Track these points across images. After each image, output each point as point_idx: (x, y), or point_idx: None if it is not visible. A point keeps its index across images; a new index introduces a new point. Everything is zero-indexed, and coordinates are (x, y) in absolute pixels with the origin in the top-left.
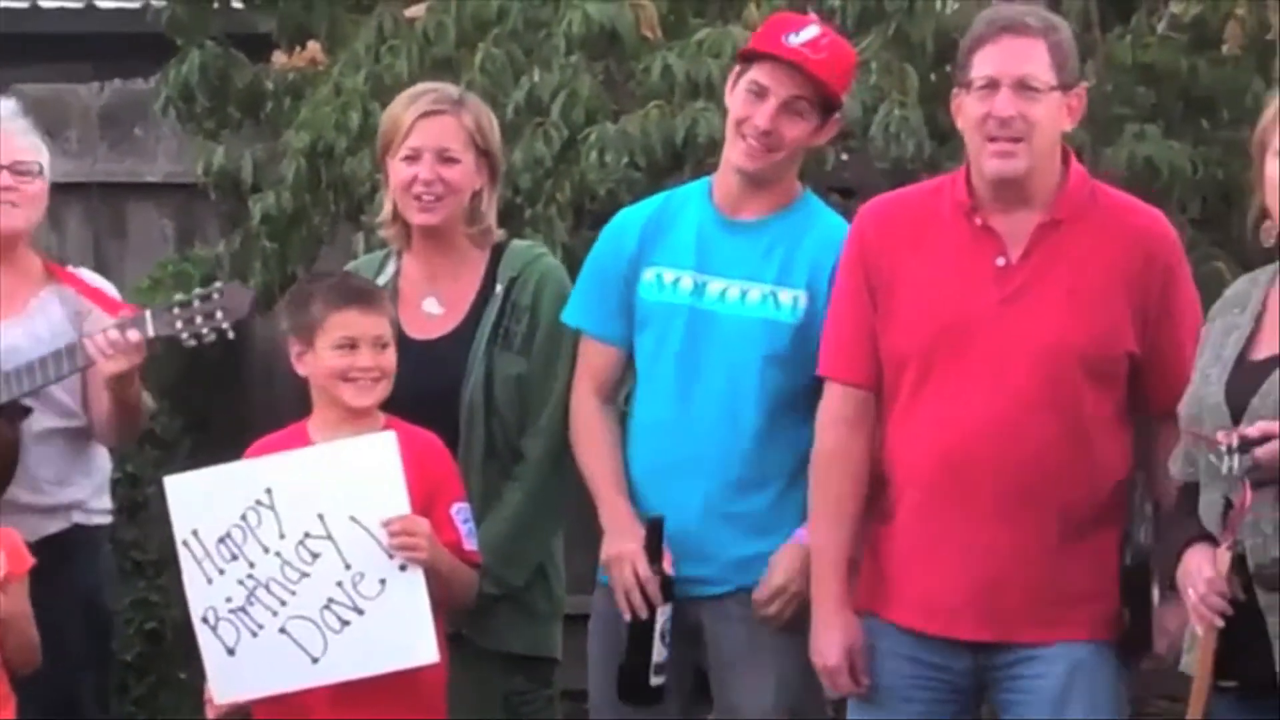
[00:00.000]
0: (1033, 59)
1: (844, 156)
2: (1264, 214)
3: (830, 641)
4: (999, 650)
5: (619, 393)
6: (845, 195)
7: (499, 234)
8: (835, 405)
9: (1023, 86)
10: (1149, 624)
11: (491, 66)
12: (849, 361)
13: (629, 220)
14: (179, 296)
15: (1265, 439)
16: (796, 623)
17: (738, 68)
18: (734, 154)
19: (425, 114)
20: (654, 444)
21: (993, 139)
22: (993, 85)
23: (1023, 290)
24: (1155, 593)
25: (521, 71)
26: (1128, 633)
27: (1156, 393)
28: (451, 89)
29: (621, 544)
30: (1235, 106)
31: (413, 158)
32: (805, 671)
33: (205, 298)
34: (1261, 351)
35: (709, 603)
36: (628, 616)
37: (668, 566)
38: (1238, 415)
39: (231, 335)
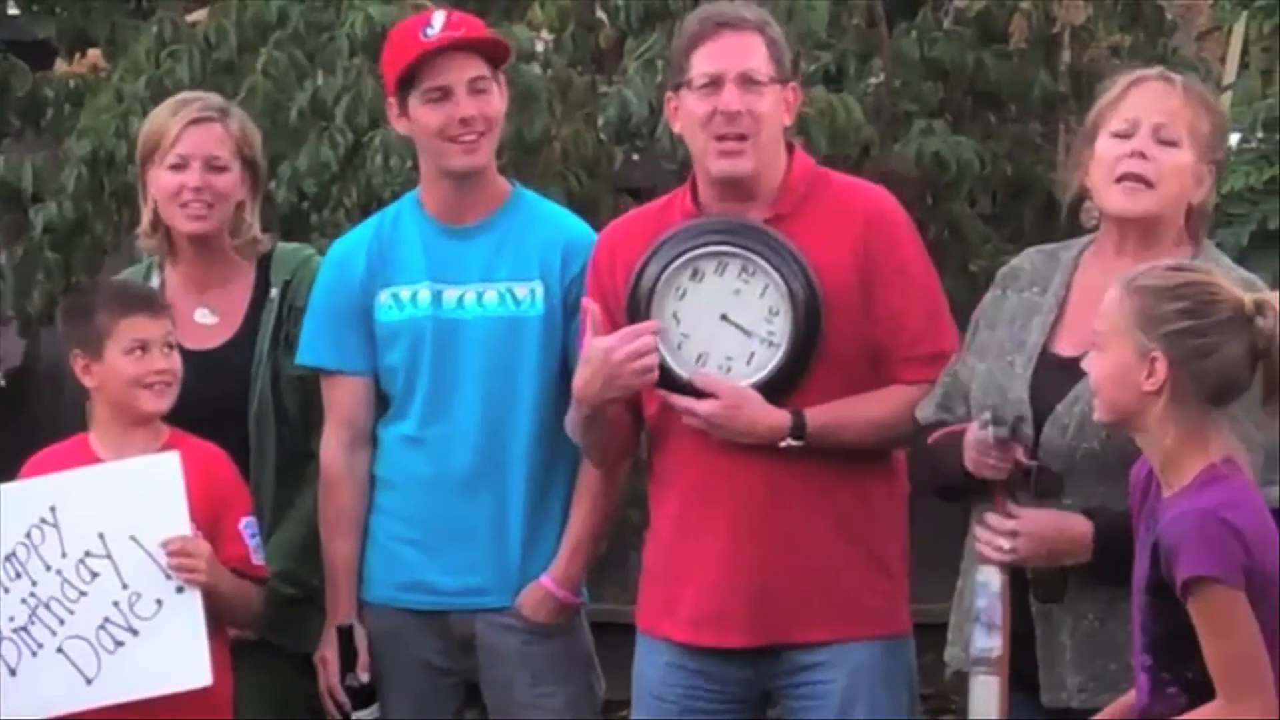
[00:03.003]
0: (753, 53)
1: (635, 157)
2: (1083, 195)
3: None
4: (777, 658)
5: (371, 427)
6: (635, 195)
7: (265, 241)
8: None
9: (747, 80)
10: None
11: (274, 70)
12: None
13: (350, 249)
14: None
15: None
16: (566, 628)
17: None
18: (446, 159)
19: (194, 121)
20: (416, 455)
21: (720, 137)
22: (716, 82)
23: None
24: None
25: (305, 75)
26: None
27: (881, 355)
28: (215, 97)
29: (324, 648)
30: (1022, 100)
31: (180, 165)
32: (581, 678)
33: None
34: (1066, 346)
35: (483, 615)
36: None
37: (362, 672)
38: (1040, 416)
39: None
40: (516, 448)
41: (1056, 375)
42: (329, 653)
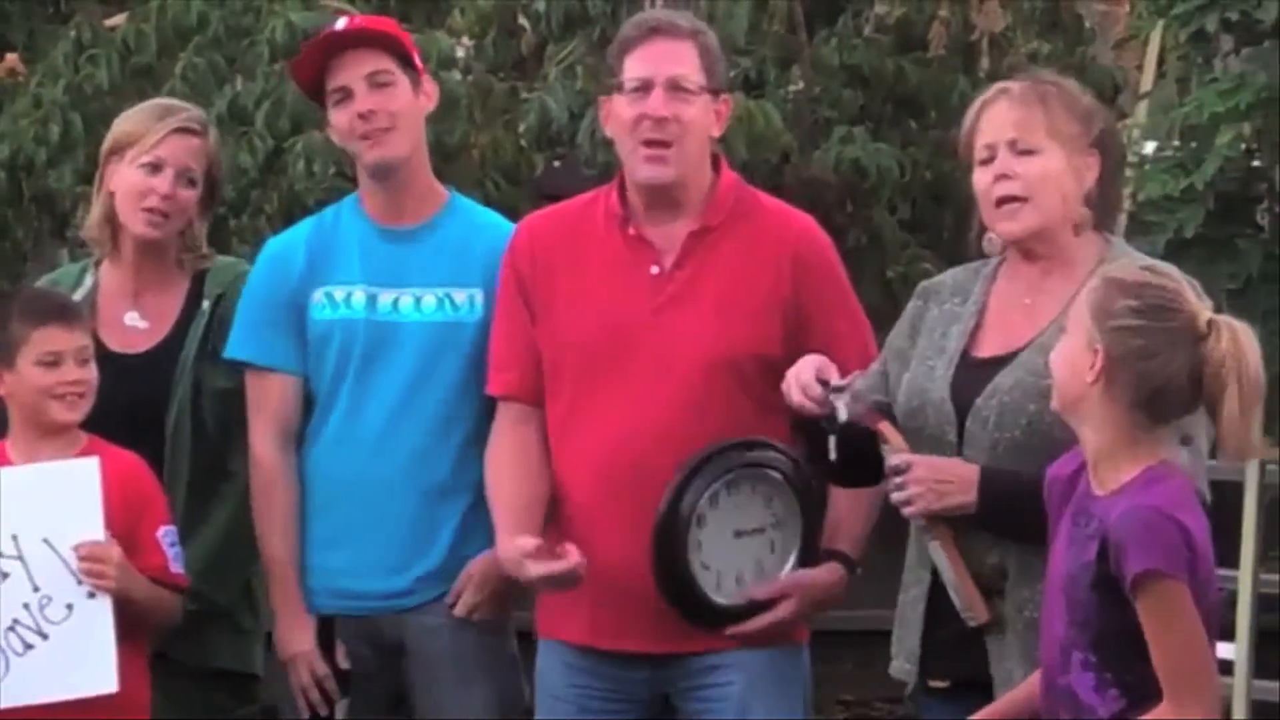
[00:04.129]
0: (684, 60)
1: (555, 164)
2: (984, 225)
3: None
4: (676, 661)
5: (299, 427)
6: (555, 202)
7: (210, 256)
8: (505, 422)
9: (675, 87)
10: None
11: (193, 75)
12: (510, 378)
13: (289, 245)
14: None
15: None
16: (493, 628)
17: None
18: (362, 156)
19: (180, 130)
20: (344, 458)
21: (647, 142)
22: (645, 87)
23: (675, 299)
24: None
25: (224, 80)
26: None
27: None
28: (199, 110)
29: (296, 645)
30: (942, 107)
31: (155, 168)
32: (507, 680)
33: None
34: (985, 349)
35: (408, 615)
36: (306, 715)
37: (342, 660)
38: (962, 413)
39: None
40: (449, 452)
41: (975, 374)
42: (306, 645)
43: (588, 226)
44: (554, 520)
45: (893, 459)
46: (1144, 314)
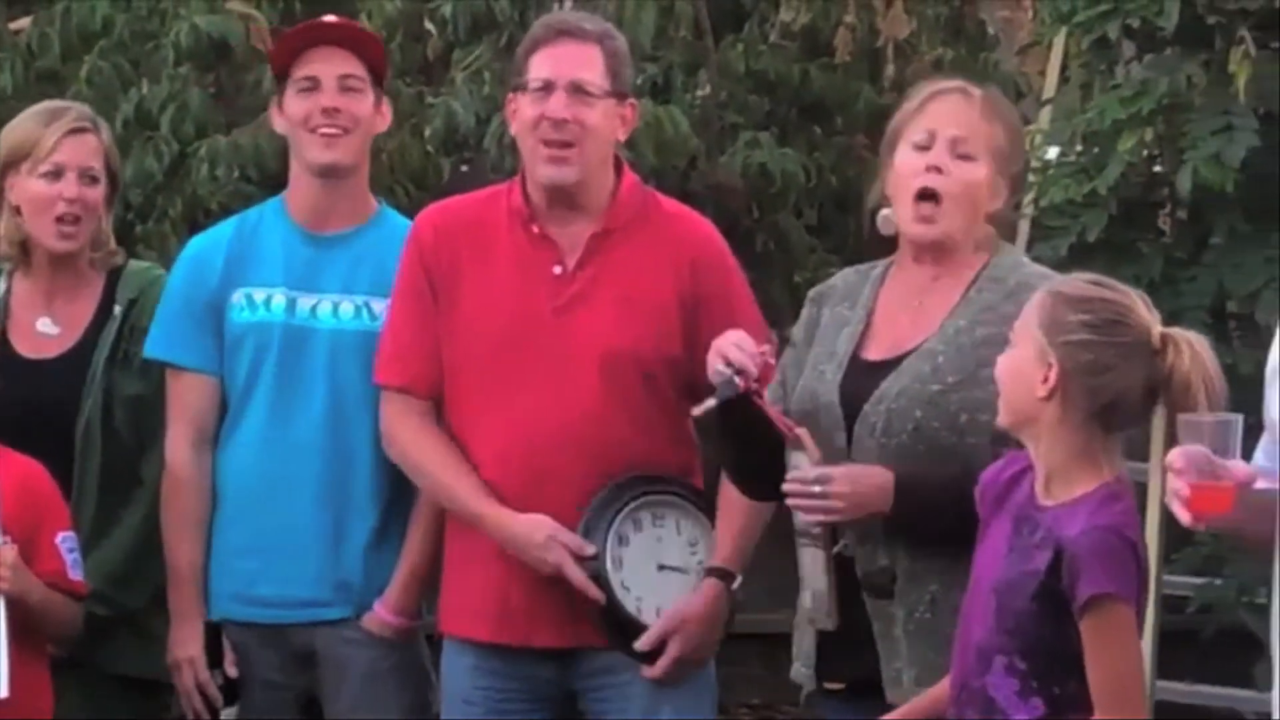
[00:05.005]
0: (588, 64)
1: (463, 168)
2: (883, 202)
3: None
4: (583, 658)
5: (216, 429)
6: None
7: (119, 253)
8: (396, 414)
9: (578, 90)
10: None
11: (98, 79)
12: (408, 368)
13: (209, 245)
14: None
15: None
16: (405, 634)
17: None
18: (308, 152)
19: (72, 131)
20: (255, 464)
21: (547, 143)
22: (548, 88)
23: (578, 298)
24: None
25: (130, 84)
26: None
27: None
28: (84, 108)
29: (184, 650)
30: (847, 113)
31: (56, 175)
32: (419, 692)
33: None
34: (873, 352)
35: (325, 627)
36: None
37: (230, 668)
38: (851, 415)
39: None
40: (361, 459)
41: (864, 379)
42: (193, 651)
43: (490, 221)
44: (449, 517)
45: (812, 471)
46: (1097, 328)
